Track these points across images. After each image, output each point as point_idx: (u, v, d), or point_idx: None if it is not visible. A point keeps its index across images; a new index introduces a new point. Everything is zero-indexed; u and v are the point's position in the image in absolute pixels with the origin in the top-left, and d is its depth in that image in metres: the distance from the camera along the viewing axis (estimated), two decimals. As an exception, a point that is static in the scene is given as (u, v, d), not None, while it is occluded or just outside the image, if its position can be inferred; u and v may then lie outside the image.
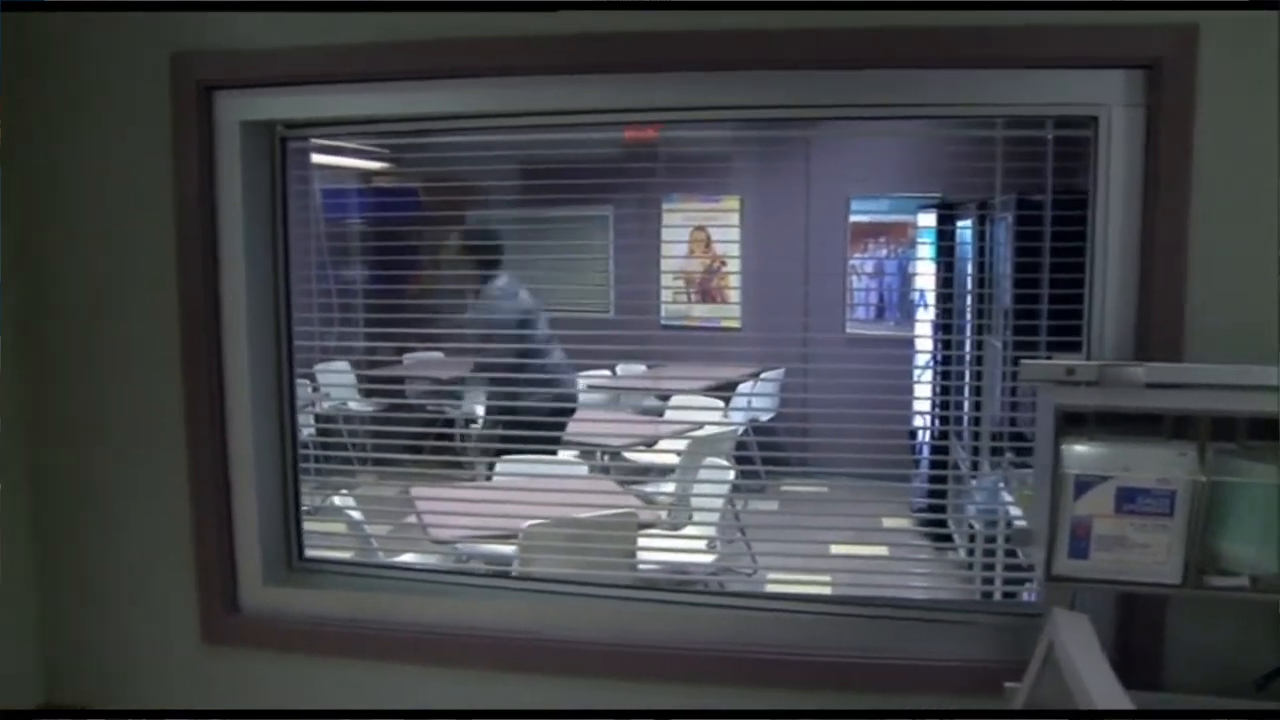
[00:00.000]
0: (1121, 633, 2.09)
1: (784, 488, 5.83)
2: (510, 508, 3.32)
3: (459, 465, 5.22)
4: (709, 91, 2.11)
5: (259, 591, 2.41)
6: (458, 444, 6.00)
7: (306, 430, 5.48)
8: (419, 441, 3.87)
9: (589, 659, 2.31)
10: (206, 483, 2.35)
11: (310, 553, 2.53)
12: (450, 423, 6.32)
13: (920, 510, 4.91)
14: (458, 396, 6.59)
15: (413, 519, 3.69)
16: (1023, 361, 1.90)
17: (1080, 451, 1.78)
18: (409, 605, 2.39)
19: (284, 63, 2.21)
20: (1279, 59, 1.90)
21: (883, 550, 4.40)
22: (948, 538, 4.44)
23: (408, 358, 7.02)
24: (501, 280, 4.51)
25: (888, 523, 4.60)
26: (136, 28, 2.26)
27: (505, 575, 2.91)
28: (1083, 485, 1.78)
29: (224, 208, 2.29)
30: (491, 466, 4.27)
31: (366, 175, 5.94)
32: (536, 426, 3.88)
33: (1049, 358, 1.92)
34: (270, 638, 2.39)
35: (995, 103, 2.07)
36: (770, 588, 4.19)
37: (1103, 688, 1.46)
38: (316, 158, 3.50)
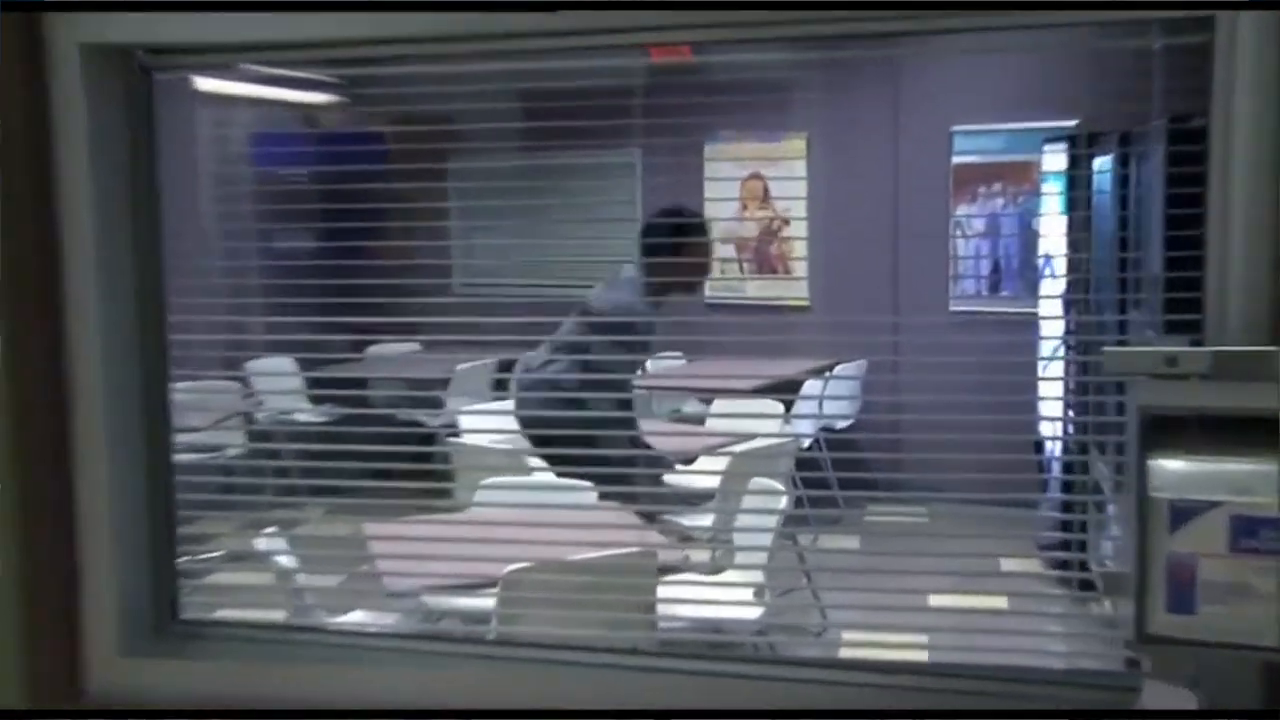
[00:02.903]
0: None
1: (869, 517, 5.85)
2: (492, 548, 3.36)
3: (439, 494, 5.28)
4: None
5: (114, 666, 2.45)
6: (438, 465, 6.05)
7: (233, 450, 5.59)
8: (386, 464, 3.92)
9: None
10: (41, 521, 2.39)
11: (196, 613, 2.55)
12: (429, 438, 6.39)
13: (1050, 547, 4.86)
14: (437, 403, 6.65)
15: (367, 566, 3.75)
16: (1106, 349, 1.88)
17: (1176, 469, 1.76)
18: (328, 679, 2.41)
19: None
20: None
21: (1000, 601, 4.38)
22: (1089, 584, 4.40)
23: (372, 351, 7.11)
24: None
25: (1008, 565, 4.56)
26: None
27: (476, 640, 2.96)
28: (1181, 514, 1.75)
29: (63, 159, 2.33)
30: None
31: (315, 116, 6.02)
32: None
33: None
34: (128, 734, 2.43)
35: (1082, 3, 2.05)
36: (846, 652, 4.19)
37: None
38: (231, 85, 3.54)
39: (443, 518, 4.53)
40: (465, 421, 5.84)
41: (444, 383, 6.97)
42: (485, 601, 3.48)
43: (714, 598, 4.09)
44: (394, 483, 3.39)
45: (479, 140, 6.34)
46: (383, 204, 3.55)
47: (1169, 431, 1.82)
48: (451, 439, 5.43)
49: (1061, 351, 5.52)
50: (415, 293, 3.43)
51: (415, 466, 5.17)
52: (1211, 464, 1.76)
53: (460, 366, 6.86)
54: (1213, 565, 1.75)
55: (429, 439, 6.56)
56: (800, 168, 7.17)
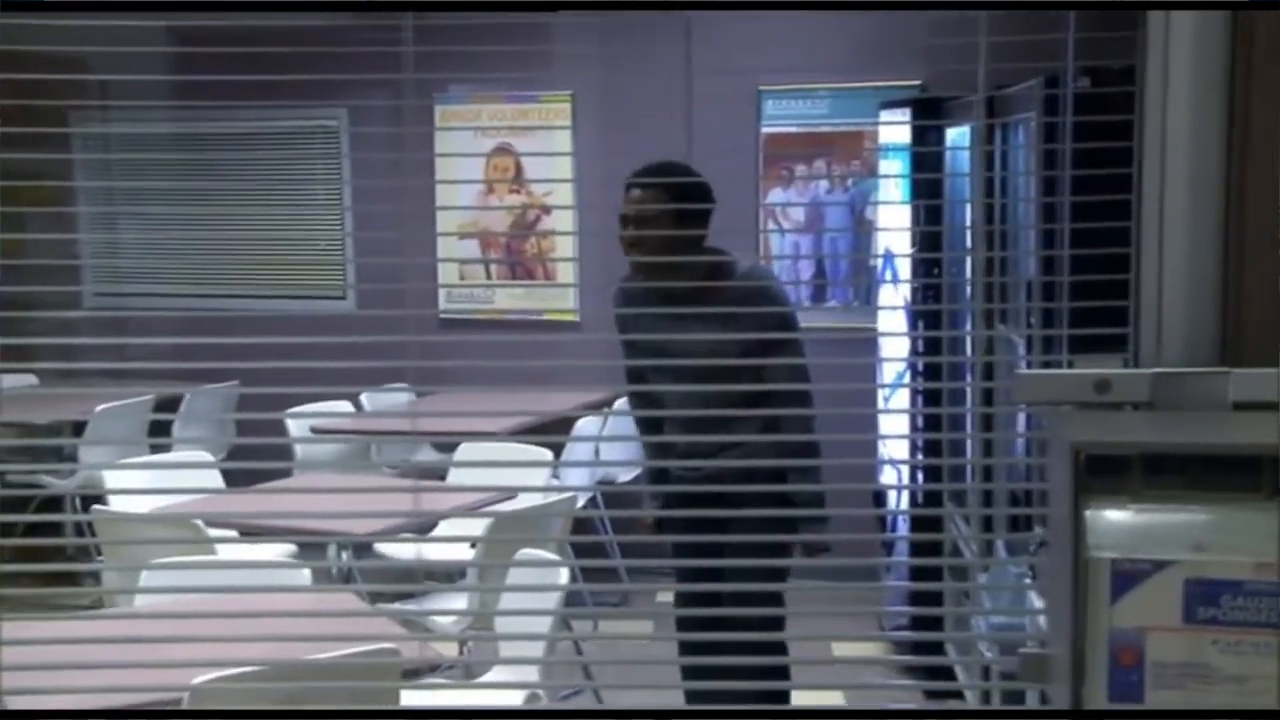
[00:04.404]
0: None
1: (661, 597, 5.91)
2: (169, 650, 3.27)
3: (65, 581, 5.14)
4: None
5: None
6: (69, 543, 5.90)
7: None
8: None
9: None
10: None
11: None
12: (54, 504, 6.21)
13: (897, 627, 4.96)
14: (68, 457, 6.48)
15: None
16: (1019, 372, 1.94)
17: (1117, 521, 1.84)
18: None
19: None
20: None
21: (835, 698, 4.47)
22: (945, 671, 4.50)
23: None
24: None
25: (842, 650, 4.66)
26: None
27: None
28: (1125, 578, 1.83)
29: None
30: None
31: None
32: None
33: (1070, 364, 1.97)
34: None
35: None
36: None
37: None
38: None
39: (91, 614, 4.42)
40: (112, 481, 5.66)
41: (76, 428, 6.77)
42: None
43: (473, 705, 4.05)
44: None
45: (120, 95, 6.20)
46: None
47: (1102, 474, 1.89)
48: (97, 506, 5.25)
49: (908, 378, 5.61)
50: (24, 305, 3.33)
51: (37, 543, 5.06)
52: (1159, 513, 1.85)
53: (101, 407, 6.67)
54: (1163, 641, 1.83)
55: (54, 505, 6.38)
56: (564, 139, 7.17)
